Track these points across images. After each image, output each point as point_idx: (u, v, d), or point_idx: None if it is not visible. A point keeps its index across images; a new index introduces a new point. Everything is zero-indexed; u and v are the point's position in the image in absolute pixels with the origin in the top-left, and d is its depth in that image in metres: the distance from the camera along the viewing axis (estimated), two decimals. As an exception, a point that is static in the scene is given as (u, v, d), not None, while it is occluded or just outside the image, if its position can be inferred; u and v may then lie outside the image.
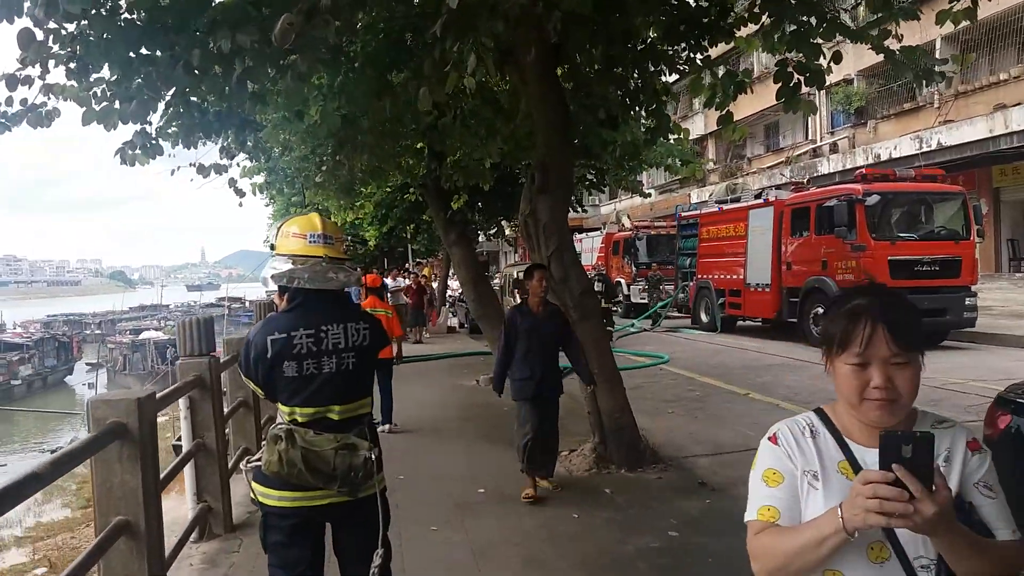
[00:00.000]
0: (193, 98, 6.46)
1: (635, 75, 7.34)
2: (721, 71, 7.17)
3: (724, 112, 7.24)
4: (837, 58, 6.35)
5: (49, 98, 5.70)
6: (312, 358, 2.83)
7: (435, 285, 22.30)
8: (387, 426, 8.51)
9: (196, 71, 5.34)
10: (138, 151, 6.63)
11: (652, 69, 6.95)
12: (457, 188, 12.16)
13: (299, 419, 2.86)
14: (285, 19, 4.10)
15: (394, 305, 17.98)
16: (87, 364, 42.39)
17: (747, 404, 9.74)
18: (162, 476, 3.98)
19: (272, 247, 2.98)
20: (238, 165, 10.03)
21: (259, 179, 10.82)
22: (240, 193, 10.22)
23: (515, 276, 17.57)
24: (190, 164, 8.22)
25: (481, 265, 12.78)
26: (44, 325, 56.83)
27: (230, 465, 5.65)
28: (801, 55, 6.53)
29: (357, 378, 2.94)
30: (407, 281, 18.50)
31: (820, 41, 6.41)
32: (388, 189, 17.22)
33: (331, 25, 4.35)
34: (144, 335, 45.40)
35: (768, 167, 28.89)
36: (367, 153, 9.55)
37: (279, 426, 2.87)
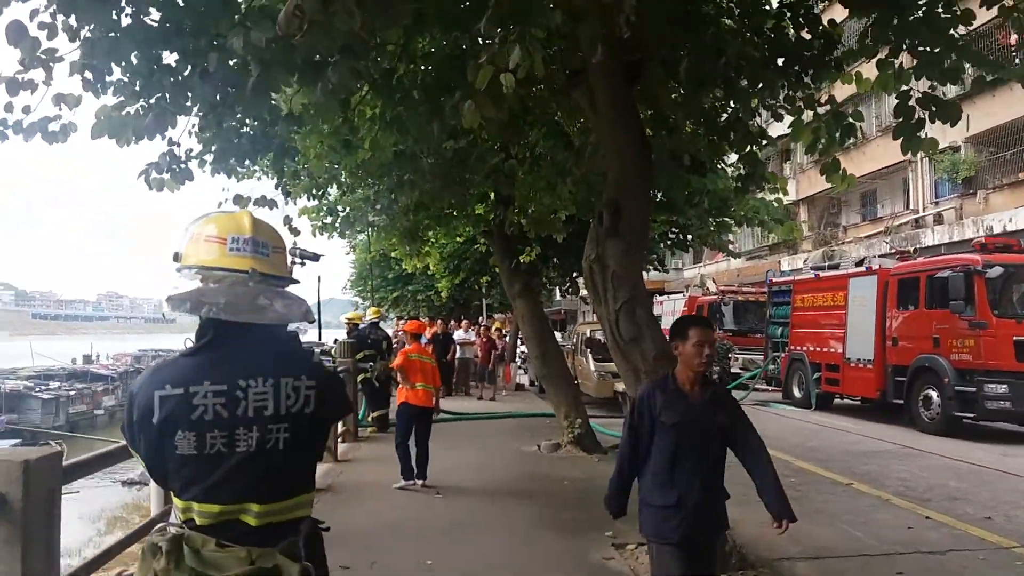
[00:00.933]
0: (224, 118, 5.83)
1: (726, 106, 6.36)
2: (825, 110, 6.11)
3: (830, 159, 6.19)
4: (979, 85, 5.18)
5: (61, 108, 5.14)
6: (221, 428, 1.86)
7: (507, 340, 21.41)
8: (419, 482, 7.65)
9: (215, 79, 4.68)
10: (165, 174, 6.02)
11: (747, 90, 5.91)
12: (525, 237, 11.33)
13: (197, 520, 1.88)
14: (292, 1, 3.33)
15: (460, 359, 17.31)
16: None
17: (851, 497, 8.33)
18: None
19: (176, 256, 2.00)
20: (291, 202, 9.50)
21: (316, 219, 10.21)
22: (295, 232, 9.66)
23: (588, 335, 16.47)
24: (243, 197, 7.69)
25: (548, 321, 11.78)
26: (135, 359, 58.70)
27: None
28: (930, 84, 5.43)
29: (291, 463, 1.96)
30: (474, 335, 17.63)
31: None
32: (459, 239, 16.60)
33: (355, 18, 3.51)
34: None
35: (865, 236, 27.00)
36: (425, 194, 8.83)
37: (167, 528, 1.90)
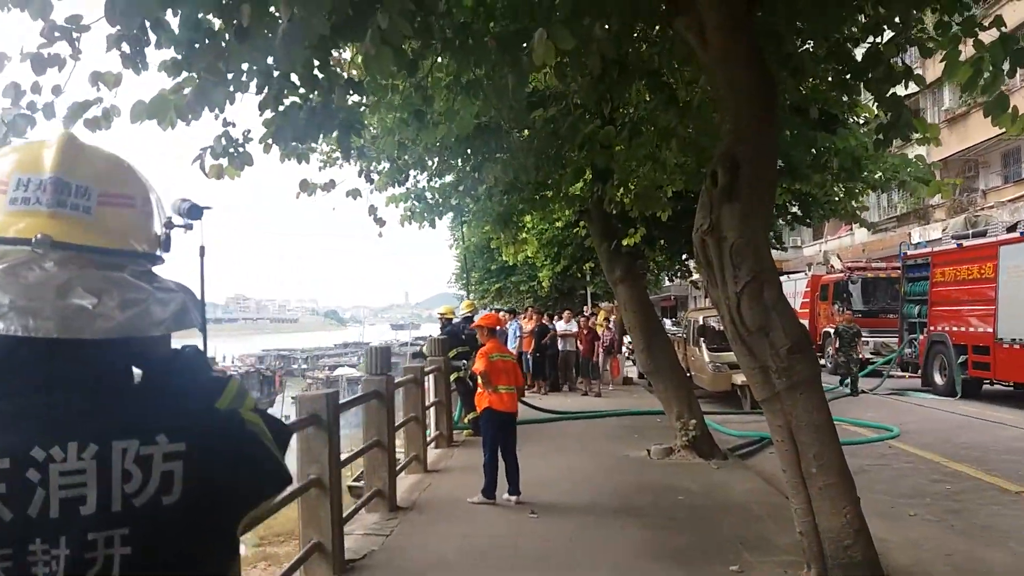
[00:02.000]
0: (281, 91, 5.20)
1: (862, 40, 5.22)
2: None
3: (993, 97, 4.95)
4: None
5: (99, 88, 4.63)
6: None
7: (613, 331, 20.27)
8: (512, 498, 6.81)
9: (253, 38, 4.02)
10: (222, 160, 5.47)
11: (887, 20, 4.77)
12: (628, 217, 10.34)
13: None
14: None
15: (562, 352, 16.41)
16: (291, 398, 44.96)
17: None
18: (346, 457, 5.55)
19: None
20: (375, 190, 8.91)
21: (404, 208, 9.58)
22: (380, 222, 9.08)
23: (700, 322, 15.27)
24: (311, 183, 7.12)
25: (653, 308, 10.70)
26: (259, 358, 61.22)
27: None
28: None
29: None
30: (574, 326, 16.65)
31: None
32: (557, 224, 15.73)
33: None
34: (338, 371, 47.42)
35: (1009, 200, 24.24)
36: (515, 173, 8.02)
37: None
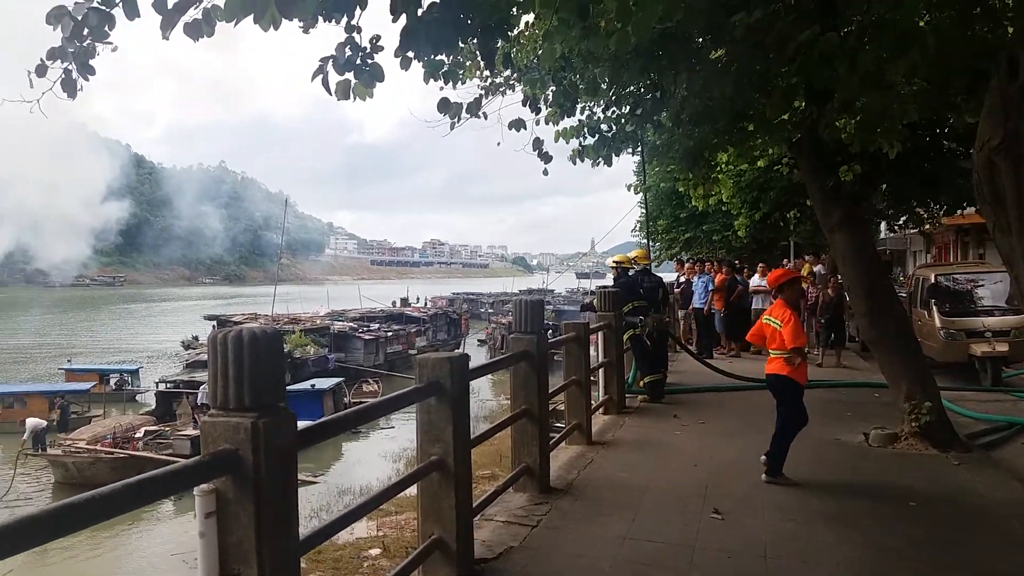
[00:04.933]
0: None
1: None
2: None
3: None
4: None
5: (198, -16, 3.88)
6: None
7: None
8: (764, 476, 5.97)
9: None
10: (348, 74, 4.61)
11: None
12: (845, 151, 8.48)
13: None
14: None
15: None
16: (478, 340, 46.17)
17: None
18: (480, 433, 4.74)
19: None
20: (545, 121, 7.83)
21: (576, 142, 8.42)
22: (546, 158, 8.00)
23: (932, 281, 12.91)
24: (453, 102, 6.17)
25: (880, 261, 8.80)
26: (449, 301, 63.37)
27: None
28: None
29: None
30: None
31: None
32: (759, 163, 13.82)
33: None
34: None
35: None
36: (707, 96, 6.61)
37: None
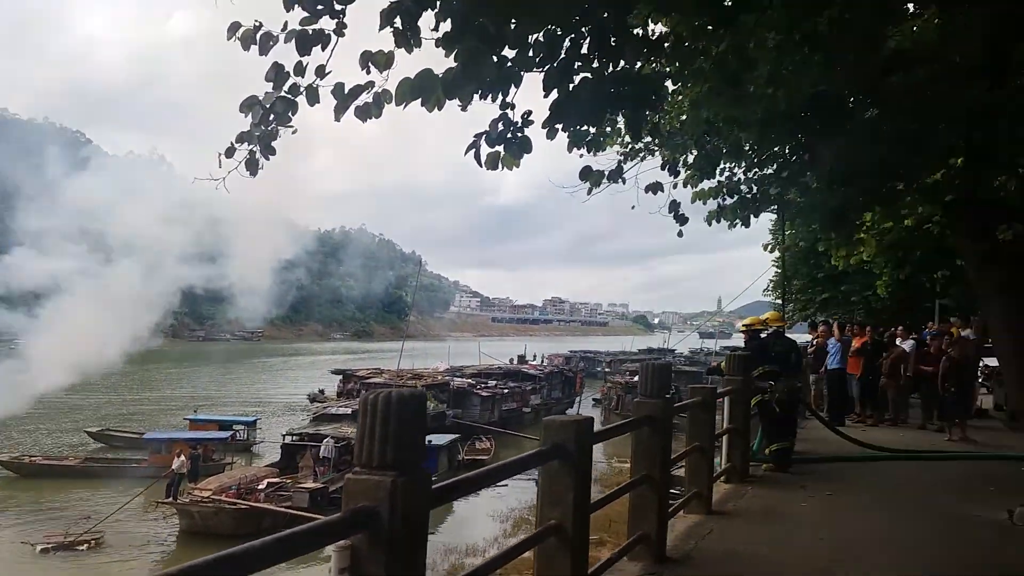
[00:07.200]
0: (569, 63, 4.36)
1: None
2: None
3: None
4: None
5: (368, 71, 4.16)
6: None
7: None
8: None
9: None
10: (499, 147, 4.78)
11: None
12: (1006, 211, 7.95)
13: None
14: None
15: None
16: (593, 400, 45.65)
17: None
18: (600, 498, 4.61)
19: None
20: (682, 184, 7.81)
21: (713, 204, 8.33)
22: (682, 220, 7.95)
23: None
24: (594, 171, 6.23)
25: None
26: (565, 359, 63.04)
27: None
28: None
29: None
30: (910, 344, 13.77)
31: None
32: (907, 222, 13.15)
33: None
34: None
35: None
36: (858, 157, 6.40)
37: None
